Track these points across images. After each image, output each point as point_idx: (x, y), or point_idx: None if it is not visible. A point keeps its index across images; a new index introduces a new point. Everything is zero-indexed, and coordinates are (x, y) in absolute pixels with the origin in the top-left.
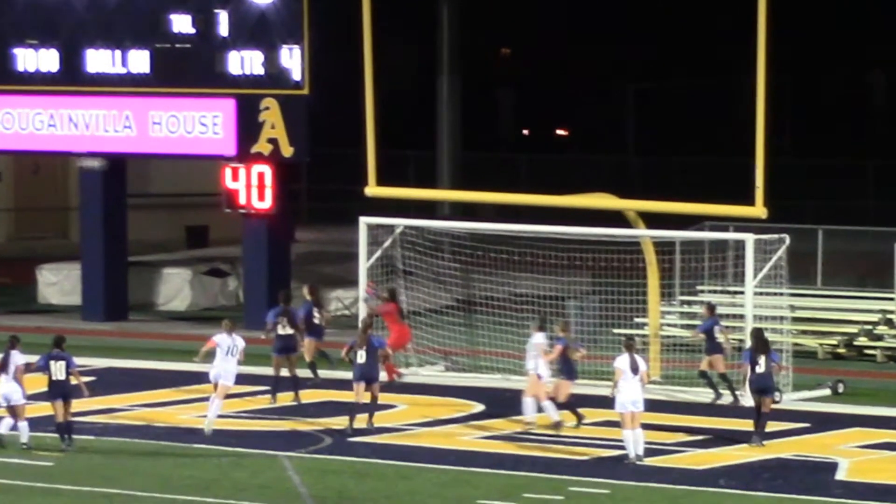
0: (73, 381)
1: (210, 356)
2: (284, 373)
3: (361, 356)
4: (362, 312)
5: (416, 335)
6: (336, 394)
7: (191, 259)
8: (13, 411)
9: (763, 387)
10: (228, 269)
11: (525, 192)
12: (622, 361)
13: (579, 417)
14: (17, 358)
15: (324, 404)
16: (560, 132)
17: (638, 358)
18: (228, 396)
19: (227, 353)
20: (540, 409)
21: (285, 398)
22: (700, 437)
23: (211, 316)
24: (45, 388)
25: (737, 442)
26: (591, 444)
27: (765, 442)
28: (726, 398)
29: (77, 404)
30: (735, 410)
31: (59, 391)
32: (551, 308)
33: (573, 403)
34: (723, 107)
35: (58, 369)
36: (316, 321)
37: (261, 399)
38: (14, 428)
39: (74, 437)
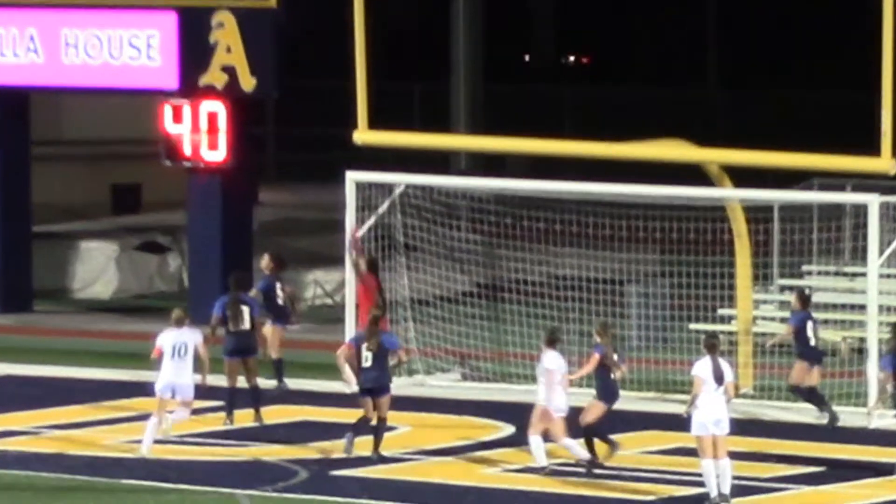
0: None
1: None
2: (242, 382)
3: (368, 359)
4: (350, 293)
5: (424, 332)
6: (313, 411)
7: (118, 229)
8: None
9: None
10: (168, 243)
11: (569, 138)
12: (702, 368)
13: (612, 446)
14: None
15: (297, 425)
16: (615, 58)
17: (723, 363)
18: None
19: (174, 354)
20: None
21: (244, 417)
22: (808, 470)
23: (145, 305)
24: None
25: (859, 477)
26: (658, 480)
27: None
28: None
29: None
30: (858, 435)
31: None
32: (604, 296)
33: (602, 429)
34: (836, 22)
35: None
36: (280, 302)
37: (212, 418)
38: None
39: None
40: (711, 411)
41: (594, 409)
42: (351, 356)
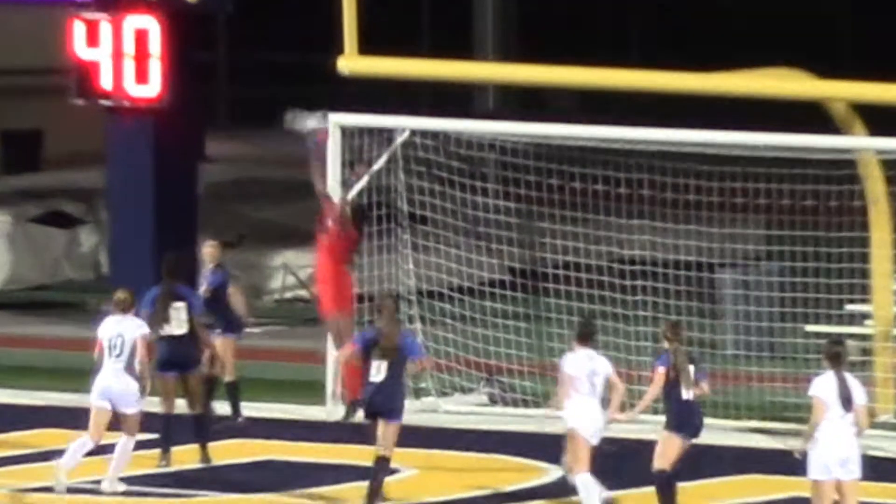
0: None
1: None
2: (182, 406)
3: (380, 369)
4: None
5: (437, 336)
6: (279, 447)
7: (11, 194)
8: None
9: None
10: (81, 214)
11: (635, 66)
12: (824, 388)
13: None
14: None
15: (257, 466)
16: None
17: (851, 381)
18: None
19: (111, 352)
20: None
21: (185, 455)
22: None
23: (48, 300)
24: None
25: None
26: None
27: None
28: None
29: None
30: None
31: None
32: (688, 286)
33: (676, 475)
34: None
35: None
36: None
37: (143, 457)
38: None
39: None
40: (837, 448)
41: (668, 446)
42: (352, 361)
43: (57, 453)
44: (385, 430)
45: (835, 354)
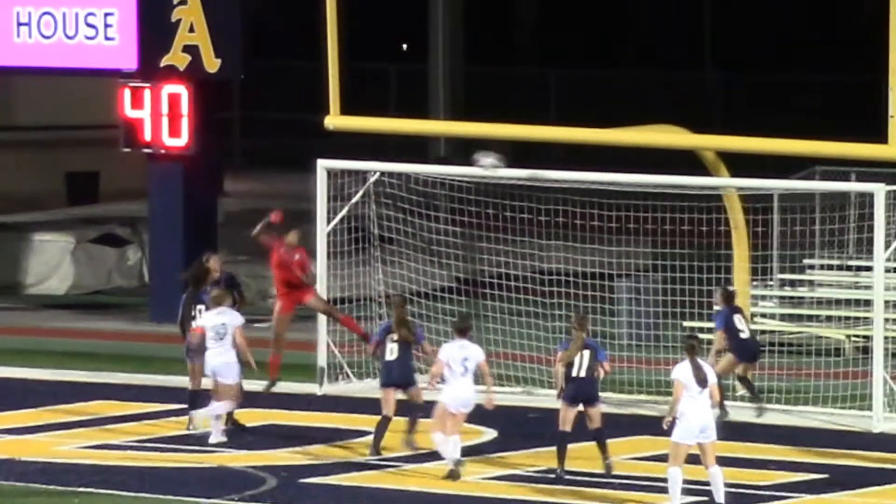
0: None
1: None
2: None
3: (393, 351)
4: (322, 288)
5: None
6: (282, 414)
7: (74, 220)
8: None
9: None
10: (128, 235)
11: (554, 123)
12: (683, 371)
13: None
14: None
15: (265, 430)
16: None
17: (705, 365)
18: (123, 419)
19: (216, 337)
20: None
21: (207, 421)
22: (810, 478)
23: (103, 302)
24: None
25: (864, 484)
26: (647, 488)
27: None
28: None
29: None
30: (862, 440)
31: None
32: (593, 291)
33: (571, 435)
34: (837, 2)
35: None
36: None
37: (174, 423)
38: None
39: None
40: (697, 418)
41: (565, 413)
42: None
43: (110, 419)
44: (411, 393)
45: (690, 346)
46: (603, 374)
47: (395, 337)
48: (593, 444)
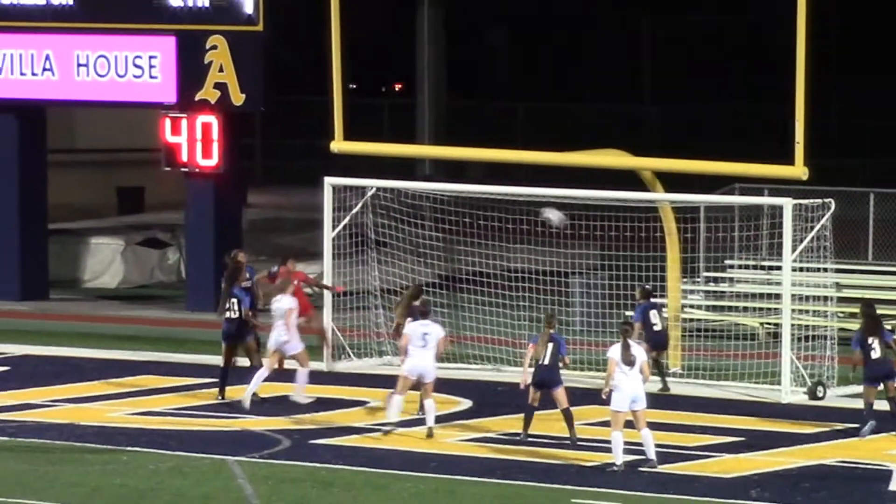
0: None
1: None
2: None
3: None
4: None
5: (393, 318)
6: (295, 388)
7: (123, 227)
8: None
9: (885, 373)
10: (168, 239)
11: (521, 148)
12: (615, 352)
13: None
14: None
15: (281, 401)
16: (563, 77)
17: (634, 347)
18: (164, 391)
19: (276, 317)
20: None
21: (234, 393)
22: (729, 440)
23: (147, 294)
24: None
25: (773, 446)
26: (597, 448)
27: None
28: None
29: None
30: (773, 409)
31: None
32: (551, 286)
33: (536, 407)
34: (756, 47)
35: None
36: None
37: (205, 394)
38: None
39: None
40: (629, 390)
41: (532, 392)
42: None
43: (153, 391)
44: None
45: (624, 331)
46: (562, 365)
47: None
48: (550, 413)
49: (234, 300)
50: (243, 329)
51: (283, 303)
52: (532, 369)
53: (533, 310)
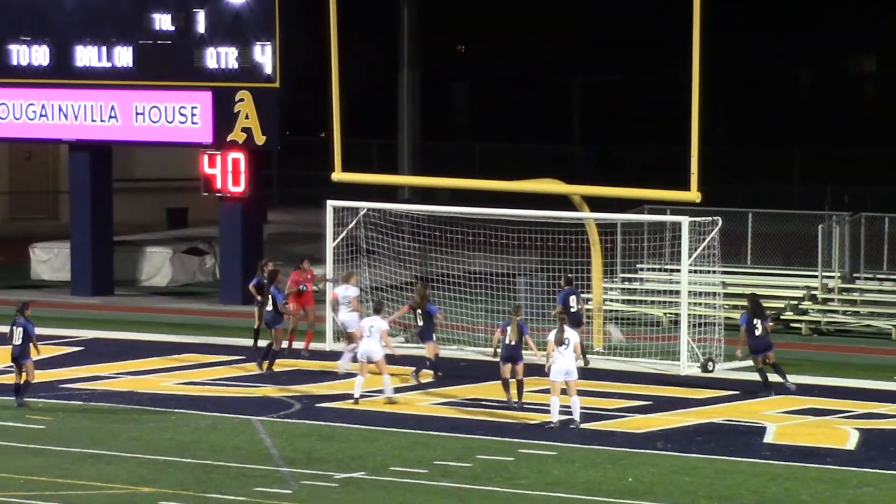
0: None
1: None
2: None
3: (417, 318)
4: (328, 286)
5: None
6: (304, 363)
7: (171, 239)
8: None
9: (764, 346)
10: (206, 248)
11: (479, 177)
12: (553, 335)
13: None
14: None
15: (293, 373)
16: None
17: (568, 331)
18: (203, 366)
19: (343, 301)
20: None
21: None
22: (639, 404)
23: (190, 291)
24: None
25: (673, 408)
26: (539, 411)
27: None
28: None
29: (66, 372)
30: (673, 380)
31: (14, 356)
32: (502, 284)
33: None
34: (661, 100)
35: (17, 335)
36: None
37: (235, 368)
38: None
39: (64, 402)
40: (561, 365)
41: (502, 368)
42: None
43: (194, 366)
44: (428, 346)
45: (561, 318)
46: (527, 346)
47: (416, 308)
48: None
49: (271, 296)
50: (278, 317)
51: (350, 291)
52: (500, 347)
53: (488, 303)
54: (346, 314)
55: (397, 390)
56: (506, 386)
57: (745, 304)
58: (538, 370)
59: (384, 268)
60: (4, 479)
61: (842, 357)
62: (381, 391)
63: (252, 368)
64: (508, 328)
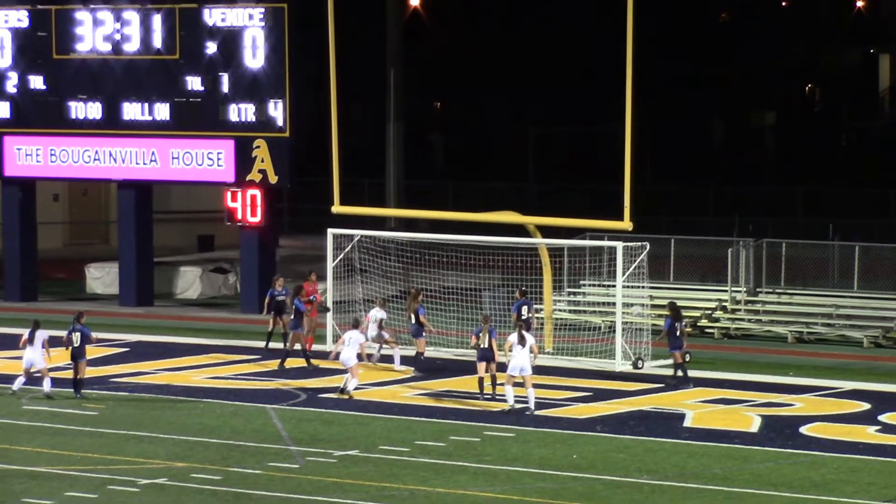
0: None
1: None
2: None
3: (411, 319)
4: (329, 296)
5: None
6: (313, 361)
7: (201, 260)
8: (29, 374)
9: (680, 345)
10: (229, 268)
11: (452, 210)
12: (512, 337)
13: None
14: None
15: (299, 369)
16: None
17: (526, 335)
18: (226, 364)
19: (373, 321)
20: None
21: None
22: (583, 395)
23: (215, 303)
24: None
25: (611, 398)
26: (501, 400)
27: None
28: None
29: (114, 369)
30: (610, 375)
31: (73, 355)
32: (471, 298)
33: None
34: (600, 147)
35: (75, 339)
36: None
37: (252, 366)
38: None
39: (114, 393)
40: (518, 361)
41: (479, 367)
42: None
43: (219, 364)
44: (419, 343)
45: (518, 325)
46: (497, 348)
47: (410, 311)
48: (474, 377)
49: (294, 307)
50: (299, 323)
51: (380, 314)
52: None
53: (459, 312)
54: (372, 331)
55: (395, 382)
56: (480, 382)
57: (667, 311)
58: (502, 367)
59: (374, 284)
60: (65, 456)
61: (747, 357)
62: (376, 381)
63: (270, 365)
64: (480, 334)
